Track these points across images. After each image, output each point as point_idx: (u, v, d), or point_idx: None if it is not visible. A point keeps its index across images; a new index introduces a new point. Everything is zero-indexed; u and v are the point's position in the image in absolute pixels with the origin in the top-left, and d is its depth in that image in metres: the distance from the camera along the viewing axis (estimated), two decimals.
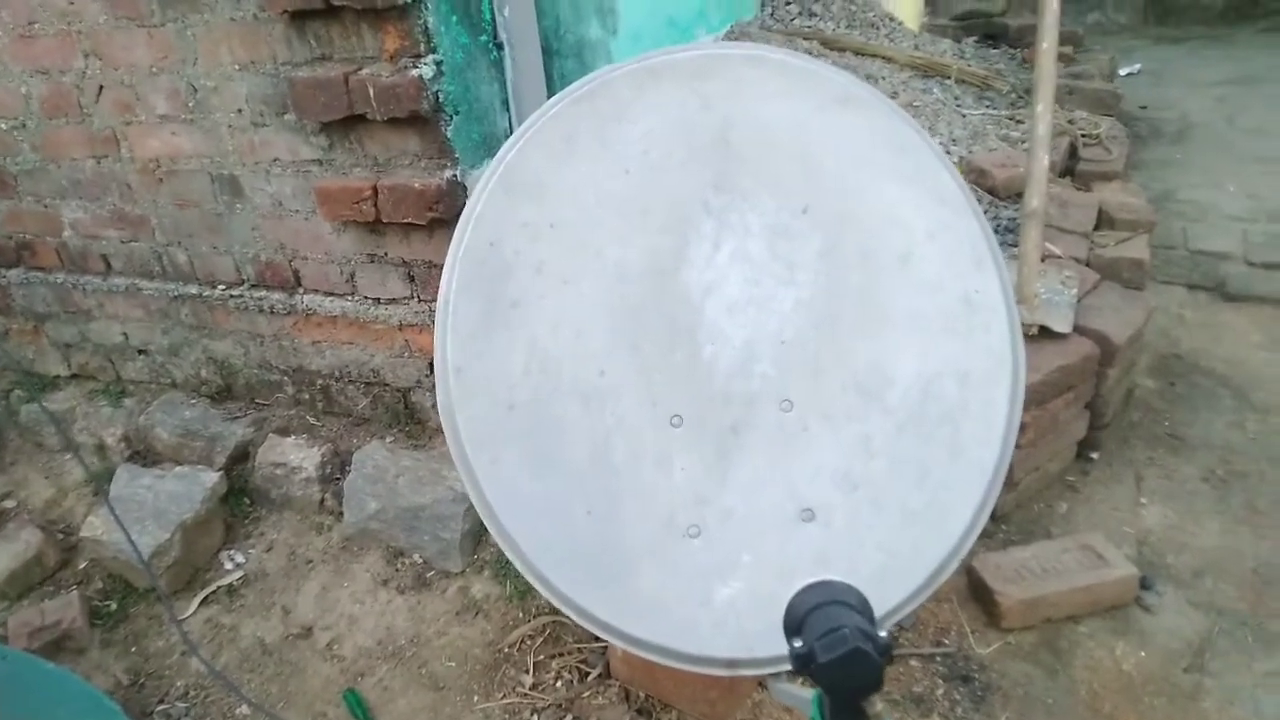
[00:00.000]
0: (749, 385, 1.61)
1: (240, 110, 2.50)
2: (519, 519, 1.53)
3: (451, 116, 2.25)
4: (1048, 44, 2.47)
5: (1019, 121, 3.94)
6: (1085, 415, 2.85)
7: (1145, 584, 2.46)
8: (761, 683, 2.28)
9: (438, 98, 2.21)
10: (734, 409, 1.61)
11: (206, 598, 2.62)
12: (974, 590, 2.47)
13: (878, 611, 1.43)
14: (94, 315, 3.17)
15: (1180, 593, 2.46)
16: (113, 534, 2.60)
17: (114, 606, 2.63)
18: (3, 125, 2.87)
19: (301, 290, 2.76)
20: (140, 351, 3.18)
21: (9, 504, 3.02)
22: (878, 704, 1.01)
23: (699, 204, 1.62)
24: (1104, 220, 3.36)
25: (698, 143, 1.62)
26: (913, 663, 2.32)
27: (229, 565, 2.71)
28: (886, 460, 1.55)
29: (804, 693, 1.28)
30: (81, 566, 2.76)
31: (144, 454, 3.05)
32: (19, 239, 3.13)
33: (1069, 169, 3.80)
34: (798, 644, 0.98)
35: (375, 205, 2.38)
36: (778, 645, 1.47)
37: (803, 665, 0.96)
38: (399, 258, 2.53)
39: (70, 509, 2.96)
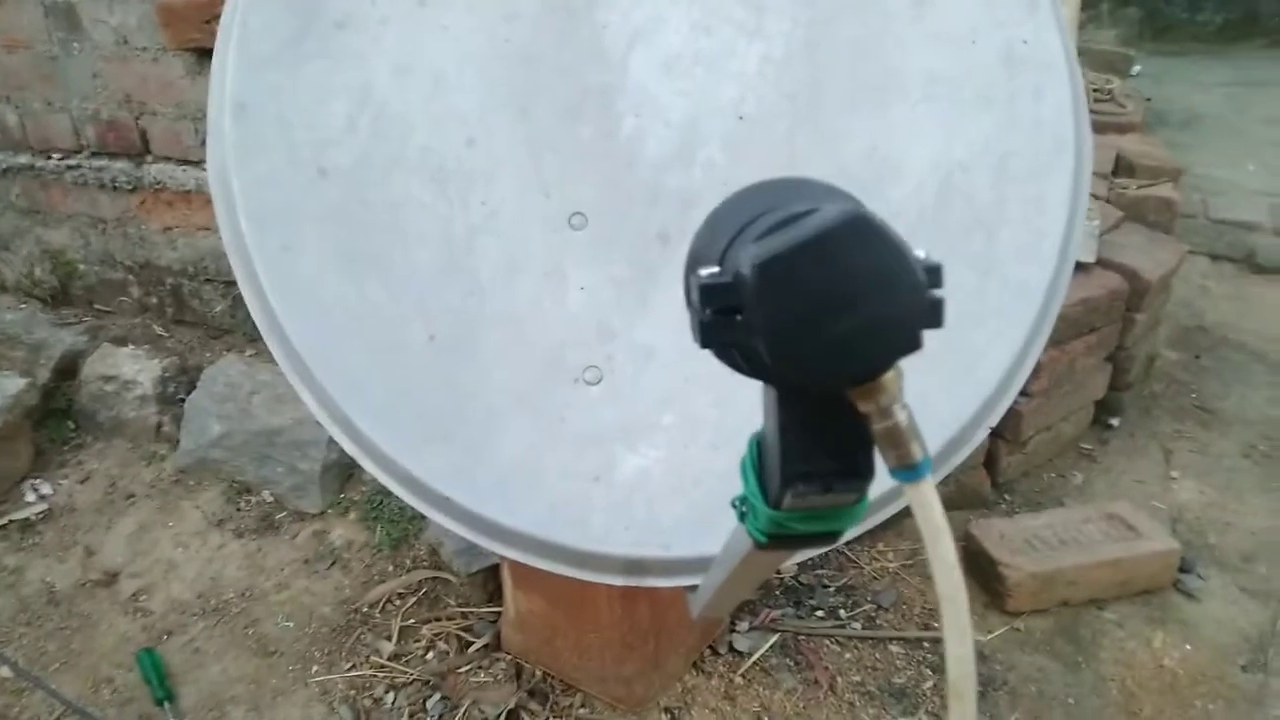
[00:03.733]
0: (689, 177, 1.10)
1: None
2: (317, 334, 0.99)
3: None
4: None
5: None
6: (1106, 370, 2.36)
7: (1185, 566, 1.96)
8: (696, 662, 1.73)
9: None
10: (664, 209, 1.09)
11: None
12: (972, 563, 1.95)
13: (876, 493, 0.90)
14: None
15: (1228, 577, 1.96)
16: None
17: None
18: None
19: (150, 158, 2.22)
20: None
21: None
22: (898, 412, 0.45)
23: None
24: (1122, 168, 2.92)
25: None
26: (893, 648, 1.79)
27: (30, 496, 2.13)
28: None
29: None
30: None
31: None
32: None
33: None
34: (708, 271, 0.45)
35: None
36: (705, 542, 0.94)
37: (718, 311, 0.43)
38: None
39: None
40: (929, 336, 1.01)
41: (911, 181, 1.06)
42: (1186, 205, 3.55)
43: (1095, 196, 2.62)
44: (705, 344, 0.44)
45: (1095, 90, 3.53)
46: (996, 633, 1.82)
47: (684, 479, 0.98)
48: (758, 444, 0.53)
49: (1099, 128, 3.29)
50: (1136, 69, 5.82)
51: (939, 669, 1.75)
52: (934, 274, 0.43)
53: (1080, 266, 2.20)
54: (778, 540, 0.53)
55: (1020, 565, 1.86)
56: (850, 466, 0.48)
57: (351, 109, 1.05)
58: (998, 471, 2.20)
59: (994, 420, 0.98)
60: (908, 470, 0.46)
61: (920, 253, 0.44)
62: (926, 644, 1.80)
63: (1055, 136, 1.04)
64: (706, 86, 1.11)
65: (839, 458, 0.47)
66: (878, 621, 1.85)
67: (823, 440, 0.47)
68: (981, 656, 1.77)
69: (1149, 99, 5.09)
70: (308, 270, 1.00)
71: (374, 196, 1.03)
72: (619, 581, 0.96)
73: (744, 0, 1.12)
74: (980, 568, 1.92)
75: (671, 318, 1.07)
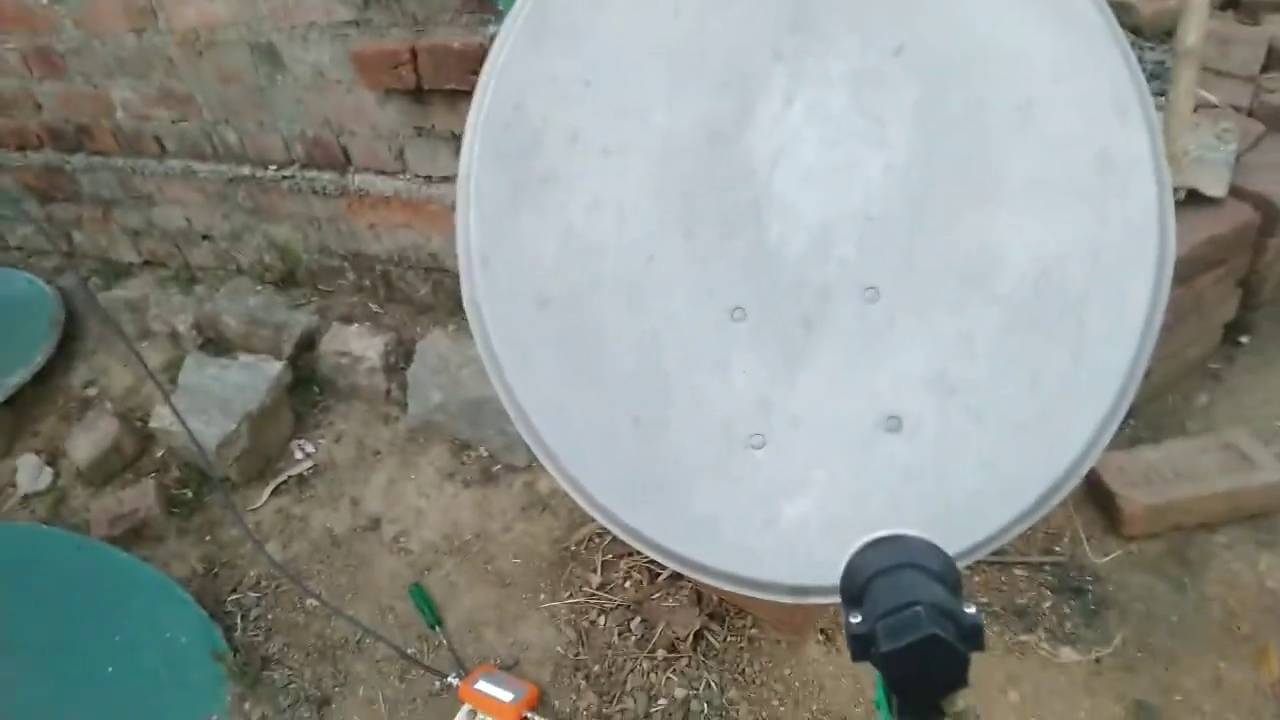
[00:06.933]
0: (825, 271, 1.35)
1: None
2: (557, 428, 1.34)
3: None
4: None
5: None
6: (1236, 293, 2.44)
7: None
8: None
9: None
10: (806, 300, 1.36)
11: (277, 487, 2.60)
12: (1092, 493, 2.19)
13: (976, 536, 1.21)
14: (155, 200, 3.09)
15: None
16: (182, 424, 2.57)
17: (189, 495, 2.63)
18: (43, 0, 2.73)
19: (352, 169, 2.58)
20: (204, 237, 3.10)
21: (91, 392, 3.05)
22: (959, 701, 0.79)
23: (768, 49, 1.32)
24: (1275, 61, 2.82)
25: None
26: (1017, 571, 2.10)
27: (299, 455, 2.67)
28: (991, 362, 1.28)
29: None
30: (159, 455, 2.77)
31: (215, 341, 3.01)
32: (76, 123, 3.05)
33: (1232, 1, 3.20)
34: (855, 620, 0.77)
35: (415, 70, 2.15)
36: None
37: (861, 649, 0.75)
38: (447, 130, 2.31)
39: (148, 397, 2.97)
40: (1028, 409, 1.26)
41: (1014, 272, 1.28)
42: None
43: (1236, 108, 2.60)
44: (855, 659, 0.76)
45: None
46: (1111, 556, 2.09)
47: (834, 523, 1.30)
48: (885, 689, 0.85)
49: (1250, 10, 3.13)
50: None
51: (1058, 590, 2.05)
52: (975, 634, 0.72)
53: (1209, 200, 2.29)
54: None
55: (1136, 498, 2.09)
56: None
57: (559, 246, 1.35)
58: None
59: (1069, 488, 1.24)
60: None
61: (970, 609, 0.73)
62: (1046, 567, 2.10)
63: (1138, 234, 1.23)
64: (838, 193, 1.34)
65: (928, 718, 0.79)
66: (1007, 550, 2.15)
67: (918, 708, 0.78)
68: (1096, 578, 2.06)
69: None
70: (543, 379, 1.34)
71: (582, 315, 1.35)
72: (787, 600, 1.31)
73: (869, 114, 1.32)
74: (1100, 498, 2.17)
75: (815, 390, 1.36)
